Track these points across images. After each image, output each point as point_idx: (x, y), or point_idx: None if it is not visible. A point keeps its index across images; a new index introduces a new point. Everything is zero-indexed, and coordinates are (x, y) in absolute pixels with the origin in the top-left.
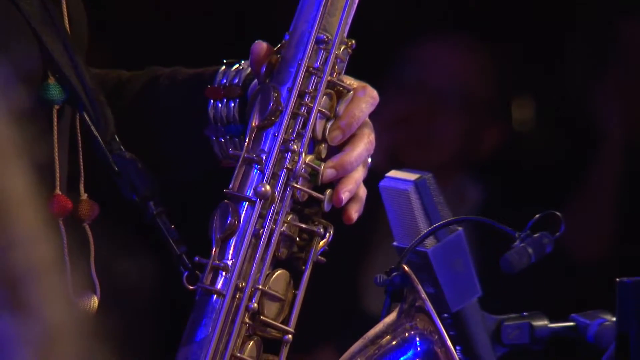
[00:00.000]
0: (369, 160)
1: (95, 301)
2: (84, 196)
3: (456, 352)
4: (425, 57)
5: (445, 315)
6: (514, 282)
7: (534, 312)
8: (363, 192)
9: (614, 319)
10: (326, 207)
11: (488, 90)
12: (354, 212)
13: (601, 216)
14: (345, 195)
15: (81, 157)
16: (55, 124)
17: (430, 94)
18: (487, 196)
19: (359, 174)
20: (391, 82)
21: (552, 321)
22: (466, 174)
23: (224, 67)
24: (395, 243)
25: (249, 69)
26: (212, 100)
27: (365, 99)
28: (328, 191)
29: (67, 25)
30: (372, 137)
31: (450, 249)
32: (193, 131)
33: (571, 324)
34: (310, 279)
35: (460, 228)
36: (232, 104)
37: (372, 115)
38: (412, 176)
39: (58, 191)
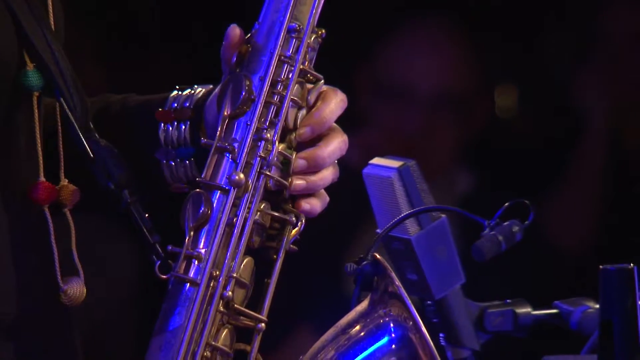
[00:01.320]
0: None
1: (82, 286)
2: (65, 182)
3: (439, 339)
4: (404, 47)
5: (429, 302)
6: (498, 270)
7: (517, 299)
8: (324, 194)
9: (597, 306)
10: (287, 193)
11: (470, 79)
12: (304, 204)
13: (585, 203)
14: (299, 182)
15: (61, 143)
16: (36, 110)
17: (410, 86)
18: (472, 183)
19: (328, 172)
20: (366, 74)
21: (535, 308)
22: (453, 162)
23: (175, 92)
24: (378, 230)
25: (201, 93)
26: (162, 124)
27: (336, 100)
28: (290, 179)
29: (52, 19)
30: (346, 138)
31: (434, 236)
32: (143, 157)
33: (554, 311)
34: (285, 267)
35: (443, 215)
36: (183, 127)
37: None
38: (395, 163)
39: (42, 178)
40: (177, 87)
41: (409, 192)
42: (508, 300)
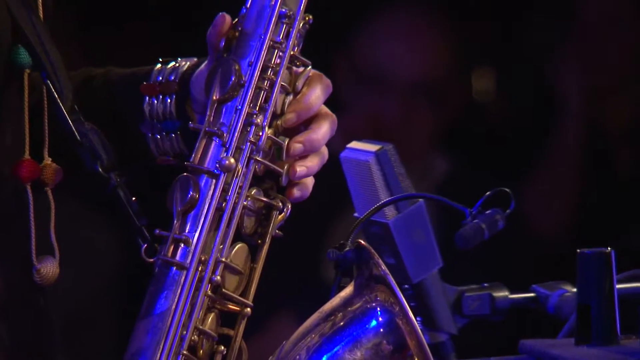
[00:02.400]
0: (327, 153)
1: (56, 266)
2: (48, 160)
3: (417, 323)
4: (381, 33)
5: (406, 286)
6: (475, 254)
7: (494, 283)
8: (311, 180)
9: (575, 290)
10: (284, 181)
11: (448, 63)
12: (297, 191)
13: (562, 187)
14: (301, 169)
15: (46, 122)
16: (26, 88)
17: (388, 71)
18: (449, 168)
19: (318, 157)
20: (344, 60)
21: (512, 292)
22: (431, 146)
23: (159, 65)
24: (356, 214)
25: (186, 66)
26: (147, 97)
27: (322, 85)
28: (286, 166)
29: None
30: (335, 118)
31: (411, 220)
32: (128, 129)
33: (532, 295)
34: (270, 252)
35: (420, 199)
36: (169, 100)
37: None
38: (373, 147)
39: (27, 156)
40: (161, 59)
41: (387, 176)
42: (485, 284)
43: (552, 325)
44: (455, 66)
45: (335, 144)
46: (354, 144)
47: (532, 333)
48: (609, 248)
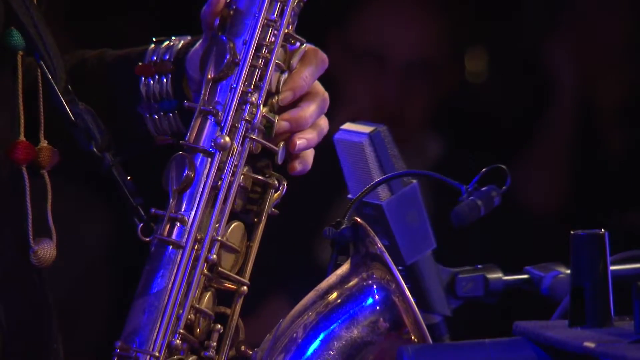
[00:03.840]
0: (326, 126)
1: (53, 248)
2: (44, 143)
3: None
4: (376, 13)
5: (400, 267)
6: (469, 235)
7: (488, 264)
8: (311, 152)
9: (568, 271)
10: (280, 158)
11: (441, 44)
12: (298, 164)
13: (555, 168)
14: (301, 142)
15: (41, 104)
16: (19, 70)
17: (382, 52)
18: (442, 148)
19: (317, 130)
20: (339, 40)
21: (506, 274)
22: (424, 127)
23: (153, 45)
24: (349, 196)
25: (180, 44)
26: (143, 78)
27: (317, 61)
28: (281, 143)
29: None
30: (326, 96)
31: (405, 202)
32: (124, 111)
33: (525, 276)
34: (267, 231)
35: (414, 181)
36: (165, 80)
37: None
38: (366, 129)
39: (22, 137)
40: (154, 39)
41: (380, 157)
42: (479, 266)
43: (545, 306)
44: (449, 46)
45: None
46: (347, 126)
47: (526, 315)
48: (602, 229)
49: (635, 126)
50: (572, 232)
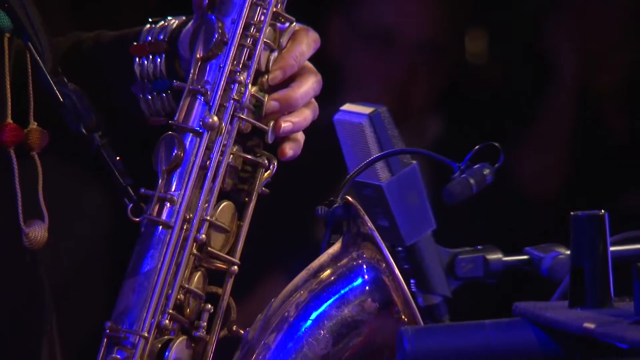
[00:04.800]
0: (316, 110)
1: (44, 230)
2: (34, 125)
3: (410, 285)
4: None
5: (400, 248)
6: (469, 216)
7: (488, 245)
8: (301, 136)
9: (568, 252)
10: (269, 138)
11: (442, 25)
12: (289, 149)
13: (556, 149)
14: (286, 125)
15: (31, 86)
16: (6, 52)
17: (385, 32)
18: (442, 129)
19: (309, 111)
20: (341, 21)
21: (506, 254)
22: (424, 108)
23: (148, 25)
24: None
25: (175, 24)
26: (137, 58)
27: (308, 40)
28: (272, 122)
29: None
30: (319, 78)
31: (405, 182)
32: (119, 91)
33: (525, 257)
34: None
35: (414, 162)
36: (159, 60)
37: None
38: (366, 109)
39: (9, 120)
40: (150, 20)
41: (380, 138)
42: (479, 247)
43: (545, 287)
44: (449, 28)
45: (328, 106)
46: (347, 107)
47: (526, 296)
48: (602, 210)
49: (634, 108)
50: (572, 213)
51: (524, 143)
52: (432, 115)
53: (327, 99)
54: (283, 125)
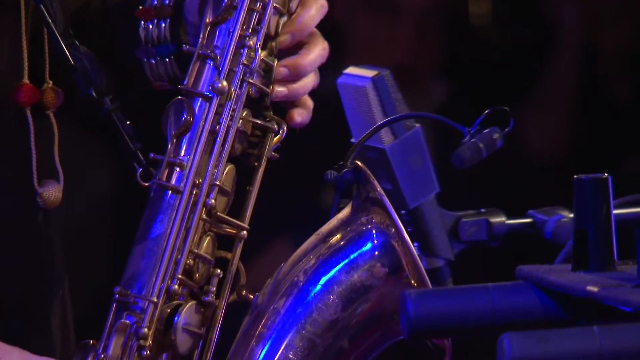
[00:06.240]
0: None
1: (58, 190)
2: (49, 84)
3: (414, 248)
4: None
5: (403, 211)
6: (472, 179)
7: (491, 208)
8: (310, 102)
9: (571, 215)
10: (268, 100)
11: None
12: (297, 115)
13: (559, 112)
14: (280, 90)
15: (46, 46)
16: (22, 12)
17: None
18: (446, 93)
19: (309, 79)
20: None
21: (509, 218)
22: (431, 71)
23: None
24: (353, 140)
25: None
26: (142, 22)
27: (316, 5)
28: (272, 86)
29: None
30: (327, 45)
31: (408, 146)
32: (123, 54)
33: (528, 220)
34: (265, 175)
35: (417, 125)
36: (163, 24)
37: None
38: (369, 73)
39: (26, 80)
40: None
41: (383, 101)
42: (482, 210)
43: (548, 250)
44: None
45: (333, 70)
46: (350, 70)
47: (529, 259)
48: (605, 174)
49: (638, 70)
50: (575, 176)
51: (527, 105)
52: (437, 79)
53: (332, 63)
54: (276, 89)
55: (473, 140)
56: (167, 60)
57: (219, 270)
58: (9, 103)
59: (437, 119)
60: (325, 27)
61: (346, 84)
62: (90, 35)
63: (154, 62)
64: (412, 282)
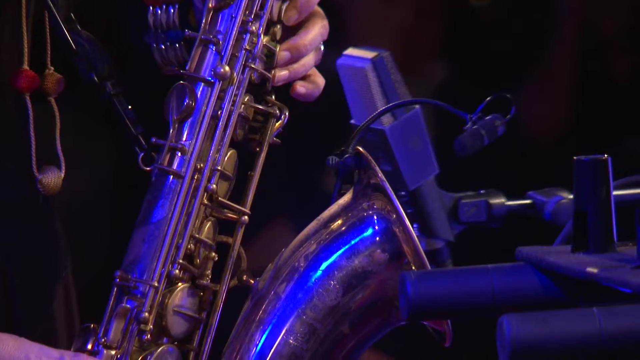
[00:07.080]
0: (322, 47)
1: (59, 176)
2: (50, 70)
3: (413, 230)
4: None
5: (403, 192)
6: (472, 160)
7: (490, 189)
8: (321, 80)
9: (571, 196)
10: (269, 85)
11: None
12: (300, 86)
13: (559, 93)
14: (281, 74)
15: (48, 32)
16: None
17: None
18: (446, 74)
19: (309, 57)
20: None
21: (509, 199)
22: (432, 53)
23: None
24: (352, 121)
25: None
26: (151, 7)
27: None
28: (273, 71)
29: None
30: (326, 22)
31: (408, 127)
32: (132, 40)
33: (528, 201)
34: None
35: (417, 106)
36: (172, 10)
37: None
38: (369, 54)
39: (26, 66)
40: None
41: (383, 82)
42: (482, 191)
43: (548, 232)
44: None
45: (333, 51)
46: (350, 51)
47: (529, 240)
48: (605, 155)
49: (638, 50)
50: (575, 157)
51: (527, 86)
52: (436, 60)
53: (331, 45)
54: (278, 74)
55: (475, 127)
56: (177, 45)
57: (213, 254)
58: (10, 89)
59: (440, 105)
60: (325, 8)
61: (346, 66)
62: (98, 21)
63: (163, 47)
64: (413, 268)
